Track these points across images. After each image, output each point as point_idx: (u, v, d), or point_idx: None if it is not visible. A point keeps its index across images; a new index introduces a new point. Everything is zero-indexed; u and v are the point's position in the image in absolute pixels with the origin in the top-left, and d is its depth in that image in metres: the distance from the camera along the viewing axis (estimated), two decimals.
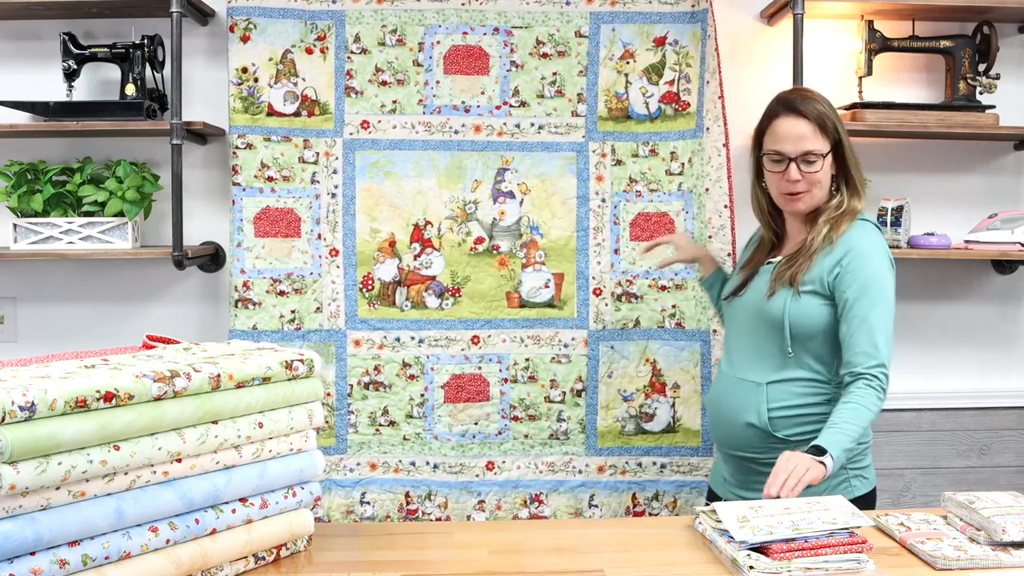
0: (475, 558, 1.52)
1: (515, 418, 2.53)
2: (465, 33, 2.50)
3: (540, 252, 2.54)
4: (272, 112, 2.48)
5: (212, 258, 2.61)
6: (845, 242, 1.83)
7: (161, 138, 2.49)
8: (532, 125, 2.52)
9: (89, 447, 1.20)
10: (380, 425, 2.51)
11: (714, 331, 2.53)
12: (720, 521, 1.50)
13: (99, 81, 2.60)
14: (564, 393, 2.53)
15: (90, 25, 2.56)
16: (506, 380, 2.53)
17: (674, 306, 2.54)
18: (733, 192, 2.49)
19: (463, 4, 2.49)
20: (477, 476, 2.51)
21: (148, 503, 1.28)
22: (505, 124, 2.52)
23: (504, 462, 2.53)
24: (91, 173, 2.46)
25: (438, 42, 2.50)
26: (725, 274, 2.20)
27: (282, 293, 2.49)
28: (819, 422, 1.77)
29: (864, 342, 1.75)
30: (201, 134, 2.51)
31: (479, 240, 2.53)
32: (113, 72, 2.57)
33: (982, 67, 2.59)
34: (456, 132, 2.51)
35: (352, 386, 2.50)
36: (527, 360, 2.53)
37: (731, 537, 1.44)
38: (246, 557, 1.43)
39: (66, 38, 2.44)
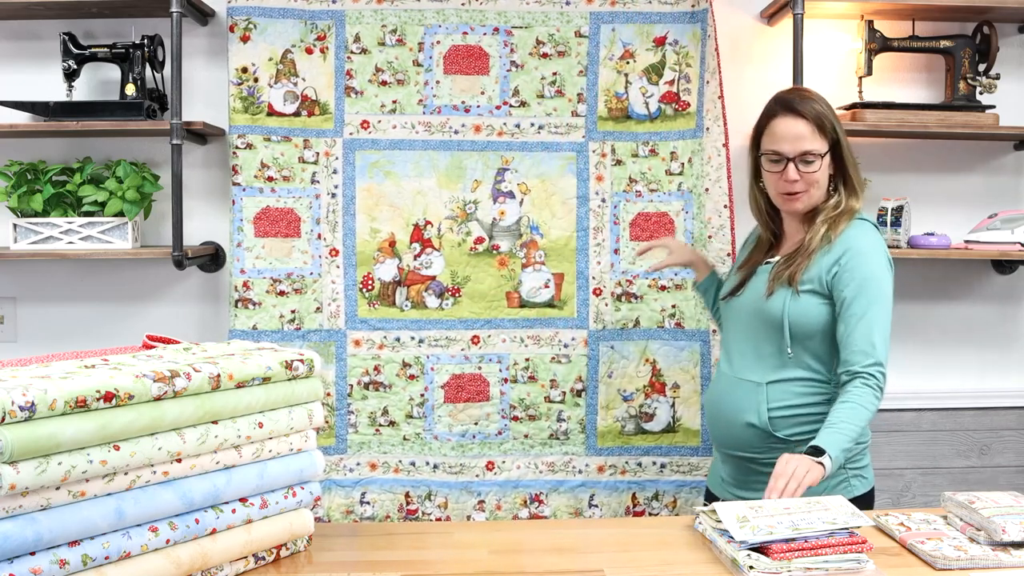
0: (475, 558, 1.51)
1: (515, 418, 2.52)
2: (465, 33, 2.50)
3: (540, 252, 2.53)
4: (272, 112, 2.48)
5: (212, 258, 2.62)
6: (843, 241, 1.83)
7: (161, 138, 2.49)
8: (532, 125, 2.52)
9: (89, 447, 1.20)
10: (380, 425, 2.51)
11: (714, 331, 2.53)
12: (720, 521, 1.50)
13: (99, 81, 2.60)
14: (564, 393, 2.53)
15: (90, 25, 2.56)
16: (506, 380, 2.53)
17: (674, 306, 2.54)
18: (733, 192, 2.50)
19: (463, 4, 2.49)
20: (477, 476, 2.51)
21: (148, 503, 1.28)
22: (505, 124, 2.52)
23: (504, 462, 2.53)
24: (91, 173, 2.46)
25: (438, 42, 2.50)
26: (720, 278, 2.20)
27: (282, 293, 2.49)
28: (819, 422, 1.77)
29: (861, 341, 1.75)
30: (201, 134, 2.52)
31: (479, 240, 2.53)
32: (113, 72, 2.57)
33: (982, 67, 2.59)
34: (456, 132, 2.51)
35: (352, 386, 2.50)
36: (527, 360, 2.53)
37: (731, 537, 1.44)
38: (246, 557, 1.43)
39: (66, 38, 2.44)
